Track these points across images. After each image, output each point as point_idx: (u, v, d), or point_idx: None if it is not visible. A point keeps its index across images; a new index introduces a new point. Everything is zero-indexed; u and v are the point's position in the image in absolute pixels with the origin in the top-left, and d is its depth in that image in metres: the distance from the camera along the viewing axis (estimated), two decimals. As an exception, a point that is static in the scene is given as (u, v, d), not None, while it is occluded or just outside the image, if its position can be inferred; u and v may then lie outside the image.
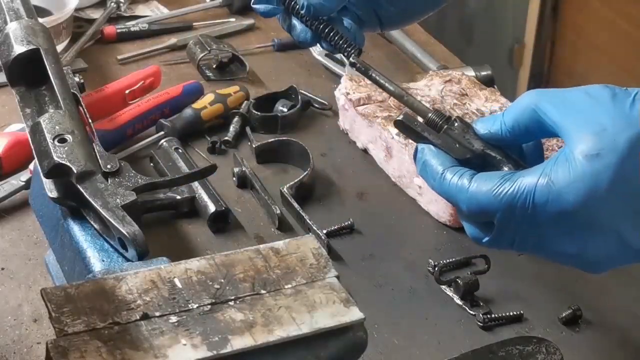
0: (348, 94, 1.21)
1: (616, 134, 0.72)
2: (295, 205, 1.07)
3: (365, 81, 1.23)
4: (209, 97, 1.24)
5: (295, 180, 1.11)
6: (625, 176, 0.72)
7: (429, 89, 1.24)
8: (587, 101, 0.74)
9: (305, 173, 1.12)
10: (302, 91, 1.29)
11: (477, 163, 0.79)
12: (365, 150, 1.21)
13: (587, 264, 0.77)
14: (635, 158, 0.72)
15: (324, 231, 1.04)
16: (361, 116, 1.19)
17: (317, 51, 1.42)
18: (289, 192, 1.09)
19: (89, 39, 1.42)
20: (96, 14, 1.48)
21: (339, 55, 1.34)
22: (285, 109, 1.25)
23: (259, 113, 1.23)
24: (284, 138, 1.19)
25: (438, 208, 1.09)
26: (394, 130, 1.14)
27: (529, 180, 0.74)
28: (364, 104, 1.20)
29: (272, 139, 1.19)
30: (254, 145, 1.17)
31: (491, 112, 1.21)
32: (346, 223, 1.07)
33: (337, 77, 1.32)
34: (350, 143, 1.22)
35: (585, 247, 0.75)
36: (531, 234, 0.76)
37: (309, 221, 1.05)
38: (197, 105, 1.23)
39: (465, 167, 0.78)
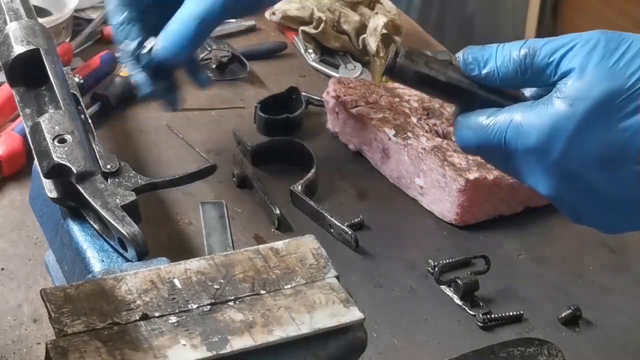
0: (338, 97, 1.21)
1: (594, 84, 0.72)
2: (311, 202, 1.07)
3: (354, 83, 1.23)
4: None
5: (304, 179, 1.11)
6: (594, 126, 0.73)
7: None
8: (580, 48, 0.74)
9: (312, 171, 1.12)
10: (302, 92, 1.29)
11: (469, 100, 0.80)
12: (358, 153, 1.21)
13: (568, 211, 0.79)
14: (610, 111, 0.72)
15: (346, 224, 1.04)
16: (354, 118, 1.19)
17: (311, 58, 1.42)
18: (300, 190, 1.09)
19: (88, 38, 1.42)
20: (96, 15, 1.48)
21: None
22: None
23: (267, 116, 1.23)
24: (280, 138, 1.19)
25: (442, 207, 1.09)
26: (391, 132, 1.14)
27: (504, 117, 0.76)
28: (355, 106, 1.19)
29: (267, 140, 1.19)
30: (248, 147, 1.17)
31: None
32: (356, 220, 1.08)
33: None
34: (342, 145, 1.22)
35: (559, 192, 0.76)
36: (511, 170, 0.78)
37: (330, 217, 1.05)
38: (125, 73, 1.27)
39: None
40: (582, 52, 0.74)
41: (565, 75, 0.74)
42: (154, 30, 1.00)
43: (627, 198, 0.75)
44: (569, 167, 0.75)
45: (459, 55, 0.79)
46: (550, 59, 0.75)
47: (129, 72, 1.02)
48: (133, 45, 1.00)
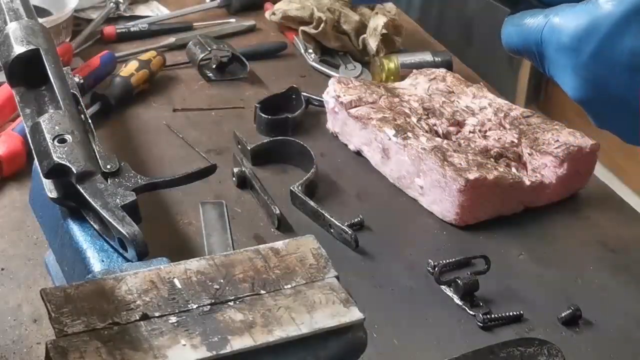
0: (338, 96, 1.21)
1: None
2: (311, 202, 1.07)
3: (354, 83, 1.23)
4: (133, 65, 1.30)
5: (304, 179, 1.11)
6: (628, 31, 0.72)
7: (415, 88, 1.25)
8: None
9: (311, 171, 1.12)
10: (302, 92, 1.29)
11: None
12: (358, 153, 1.21)
13: (593, 114, 0.78)
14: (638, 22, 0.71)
15: (346, 224, 1.04)
16: (354, 119, 1.19)
17: (311, 58, 1.42)
18: (300, 190, 1.09)
19: (88, 39, 1.42)
20: (96, 15, 1.48)
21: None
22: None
23: (267, 116, 1.23)
24: (280, 138, 1.19)
25: (443, 207, 1.09)
26: (391, 132, 1.14)
27: (544, 16, 0.76)
28: (355, 106, 1.19)
29: (267, 140, 1.19)
30: (248, 147, 1.17)
31: (480, 109, 1.21)
32: (356, 220, 1.08)
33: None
34: (342, 145, 1.22)
35: (586, 94, 0.76)
36: (546, 71, 0.78)
37: (329, 217, 1.05)
38: (125, 73, 1.29)
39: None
40: None
41: None
42: None
43: None
44: (598, 69, 0.74)
45: None
46: None
47: None
48: None
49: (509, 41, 0.80)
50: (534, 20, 0.77)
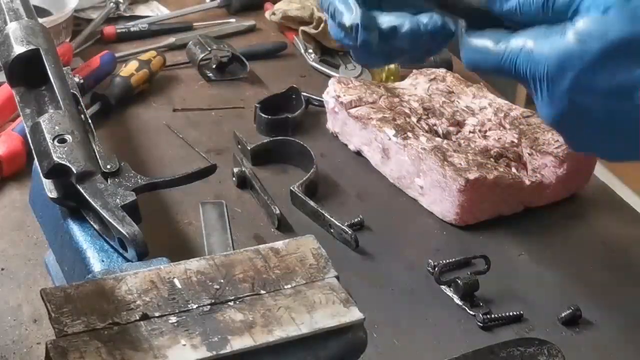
0: (338, 96, 1.21)
1: (613, 25, 0.70)
2: (311, 202, 1.07)
3: (354, 83, 1.23)
4: (133, 65, 1.30)
5: (304, 179, 1.11)
6: (605, 67, 0.71)
7: (415, 88, 1.25)
8: None
9: (311, 171, 1.12)
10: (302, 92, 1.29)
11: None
12: (358, 153, 1.21)
13: (569, 139, 0.78)
14: (626, 55, 0.71)
15: (346, 224, 1.04)
16: (354, 119, 1.19)
17: (311, 58, 1.42)
18: (300, 190, 1.09)
19: (88, 39, 1.42)
20: (96, 15, 1.48)
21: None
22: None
23: (267, 116, 1.23)
24: (280, 138, 1.19)
25: (443, 207, 1.09)
26: (391, 132, 1.14)
27: (516, 43, 0.74)
28: (355, 106, 1.19)
29: (267, 140, 1.19)
30: (248, 147, 1.17)
31: (480, 109, 1.21)
32: (356, 220, 1.08)
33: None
34: (342, 145, 1.22)
35: (562, 121, 0.75)
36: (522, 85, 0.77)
37: (329, 217, 1.05)
38: (125, 73, 1.29)
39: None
40: None
41: (586, 9, 0.72)
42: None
43: (632, 130, 0.74)
44: (575, 99, 0.73)
45: None
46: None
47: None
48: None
49: (475, 65, 0.78)
50: (504, 46, 0.75)
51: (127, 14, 1.52)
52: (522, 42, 0.74)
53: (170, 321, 0.69)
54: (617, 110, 0.73)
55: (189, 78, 1.37)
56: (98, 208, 0.82)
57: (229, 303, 0.72)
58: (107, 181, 0.86)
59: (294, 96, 1.28)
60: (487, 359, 0.86)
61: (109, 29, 1.44)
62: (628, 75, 0.71)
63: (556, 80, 0.73)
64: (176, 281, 0.73)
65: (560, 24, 0.73)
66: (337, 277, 0.75)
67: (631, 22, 0.71)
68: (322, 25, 1.41)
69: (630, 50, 0.71)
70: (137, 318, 0.69)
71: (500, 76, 0.78)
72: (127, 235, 0.79)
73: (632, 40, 0.70)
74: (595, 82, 0.72)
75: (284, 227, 1.07)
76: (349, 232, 1.04)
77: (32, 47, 0.95)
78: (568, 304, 0.97)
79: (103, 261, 0.81)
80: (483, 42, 0.76)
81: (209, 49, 1.36)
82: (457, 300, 0.98)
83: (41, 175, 0.85)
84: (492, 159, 1.12)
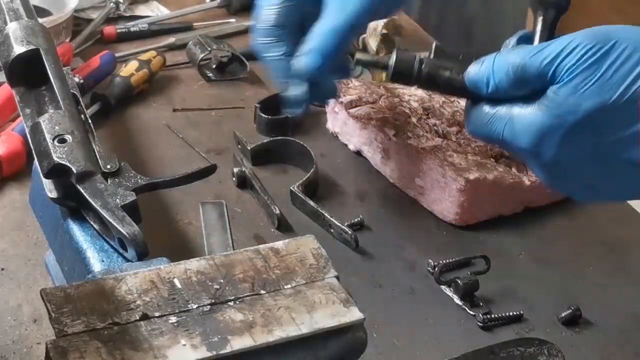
0: (338, 96, 1.21)
1: (584, 98, 0.74)
2: (311, 202, 1.07)
3: (354, 83, 1.23)
4: (133, 65, 1.30)
5: (304, 179, 1.11)
6: (584, 136, 0.75)
7: (415, 88, 1.25)
8: (568, 56, 0.75)
9: (311, 171, 1.12)
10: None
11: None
12: (358, 153, 1.21)
13: (564, 192, 0.86)
14: (601, 122, 0.74)
15: (346, 224, 1.04)
16: (354, 119, 1.19)
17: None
18: (300, 190, 1.09)
19: (88, 39, 1.42)
20: (96, 15, 1.48)
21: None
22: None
23: (267, 116, 1.23)
24: (280, 138, 1.19)
25: (443, 207, 1.09)
26: (391, 132, 1.14)
27: (501, 117, 0.79)
28: (355, 106, 1.19)
29: (267, 140, 1.19)
30: (248, 147, 1.17)
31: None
32: (356, 220, 1.08)
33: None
34: (342, 145, 1.22)
35: (553, 183, 0.81)
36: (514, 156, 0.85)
37: (329, 217, 1.05)
38: (125, 73, 1.28)
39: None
40: (570, 61, 0.75)
41: (557, 82, 0.75)
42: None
43: (622, 182, 0.78)
44: (560, 166, 0.78)
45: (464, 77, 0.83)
46: (541, 72, 0.77)
47: (287, 90, 0.97)
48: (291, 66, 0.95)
49: (475, 135, 0.84)
50: (492, 120, 0.80)
51: (127, 14, 1.52)
52: (506, 116, 0.79)
53: (170, 321, 0.69)
54: (600, 171, 0.77)
55: (189, 78, 1.36)
56: (98, 208, 0.82)
57: (229, 303, 0.72)
58: (107, 181, 0.86)
59: (293, 96, 1.28)
60: (487, 359, 0.86)
61: (109, 29, 1.44)
62: (607, 140, 0.75)
63: (539, 152, 0.77)
64: (176, 281, 0.73)
65: (538, 97, 0.77)
66: (337, 277, 0.75)
67: (600, 92, 0.74)
68: (322, 25, 1.41)
69: (603, 117, 0.74)
70: (137, 318, 0.69)
71: (498, 146, 0.89)
72: (127, 235, 0.79)
73: (602, 109, 0.74)
74: (576, 150, 0.76)
75: (284, 227, 1.07)
76: (349, 232, 1.04)
77: (32, 47, 0.95)
78: (568, 304, 0.97)
79: (103, 261, 0.81)
80: (475, 115, 0.82)
81: (209, 49, 1.36)
82: (457, 300, 0.98)
83: (41, 175, 0.85)
84: (492, 159, 1.12)
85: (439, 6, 2.23)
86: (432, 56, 0.84)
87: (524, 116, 0.77)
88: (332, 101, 1.22)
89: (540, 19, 0.83)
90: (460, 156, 1.09)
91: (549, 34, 0.83)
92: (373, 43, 1.39)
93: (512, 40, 0.84)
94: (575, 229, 1.12)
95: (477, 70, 0.81)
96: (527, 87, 0.77)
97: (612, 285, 1.03)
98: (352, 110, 1.19)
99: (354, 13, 0.93)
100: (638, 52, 0.73)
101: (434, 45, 0.85)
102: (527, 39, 0.83)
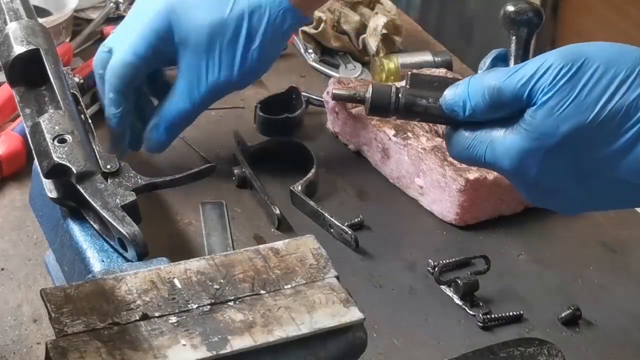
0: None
1: (561, 120, 0.74)
2: (311, 202, 1.07)
3: (354, 83, 1.23)
4: None
5: (304, 179, 1.11)
6: (563, 156, 0.76)
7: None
8: (541, 78, 0.75)
9: (311, 171, 1.12)
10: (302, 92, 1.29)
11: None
12: (358, 153, 1.21)
13: (550, 208, 0.84)
14: (581, 142, 0.74)
15: (346, 224, 1.04)
16: (354, 119, 1.19)
17: (311, 58, 1.42)
18: (300, 190, 1.09)
19: (88, 39, 1.42)
20: (96, 15, 1.48)
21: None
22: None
23: (268, 116, 1.23)
24: (280, 138, 1.19)
25: (442, 207, 1.09)
26: (391, 132, 1.14)
27: (481, 141, 0.79)
28: (355, 106, 1.19)
29: (267, 140, 1.19)
30: (249, 147, 1.17)
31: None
32: (356, 220, 1.08)
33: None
34: (342, 145, 1.22)
35: (539, 202, 0.82)
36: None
37: (329, 217, 1.05)
38: None
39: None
40: (545, 82, 0.75)
41: (533, 104, 0.76)
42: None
43: (607, 198, 0.79)
44: (543, 185, 0.78)
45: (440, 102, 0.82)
46: (517, 94, 0.76)
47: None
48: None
49: (458, 158, 0.83)
50: (472, 144, 0.80)
51: (127, 14, 1.52)
52: (486, 140, 0.79)
53: (170, 321, 0.69)
54: (584, 188, 0.78)
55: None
56: (98, 208, 0.82)
57: (229, 303, 0.72)
58: (107, 181, 0.86)
59: (294, 96, 1.28)
60: (487, 359, 0.87)
61: (109, 29, 1.44)
62: (587, 159, 0.76)
63: (521, 174, 0.78)
64: (176, 281, 0.73)
65: (516, 119, 0.77)
66: (337, 277, 0.76)
67: (576, 113, 0.74)
68: (322, 25, 1.41)
69: (581, 138, 0.75)
70: (137, 318, 0.69)
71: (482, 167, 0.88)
72: (127, 235, 0.79)
73: (579, 130, 0.74)
74: (557, 170, 0.77)
75: (284, 227, 1.07)
76: (349, 232, 1.04)
77: (32, 47, 0.95)
78: (568, 304, 0.97)
79: (103, 261, 0.81)
80: (456, 140, 0.82)
81: (209, 49, 1.36)
82: (457, 300, 0.98)
83: (41, 175, 0.85)
84: (492, 159, 1.12)
85: (439, 6, 2.23)
86: (408, 85, 0.83)
87: (503, 139, 0.77)
88: (332, 101, 1.22)
89: (513, 38, 0.83)
90: (460, 156, 1.09)
91: (524, 52, 0.83)
92: (373, 43, 1.39)
93: (487, 59, 0.83)
94: (575, 229, 1.12)
95: (452, 94, 0.80)
96: (504, 109, 0.77)
97: (612, 285, 1.03)
98: (352, 110, 1.19)
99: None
100: (610, 71, 0.73)
101: (409, 74, 0.84)
102: (502, 58, 0.83)
